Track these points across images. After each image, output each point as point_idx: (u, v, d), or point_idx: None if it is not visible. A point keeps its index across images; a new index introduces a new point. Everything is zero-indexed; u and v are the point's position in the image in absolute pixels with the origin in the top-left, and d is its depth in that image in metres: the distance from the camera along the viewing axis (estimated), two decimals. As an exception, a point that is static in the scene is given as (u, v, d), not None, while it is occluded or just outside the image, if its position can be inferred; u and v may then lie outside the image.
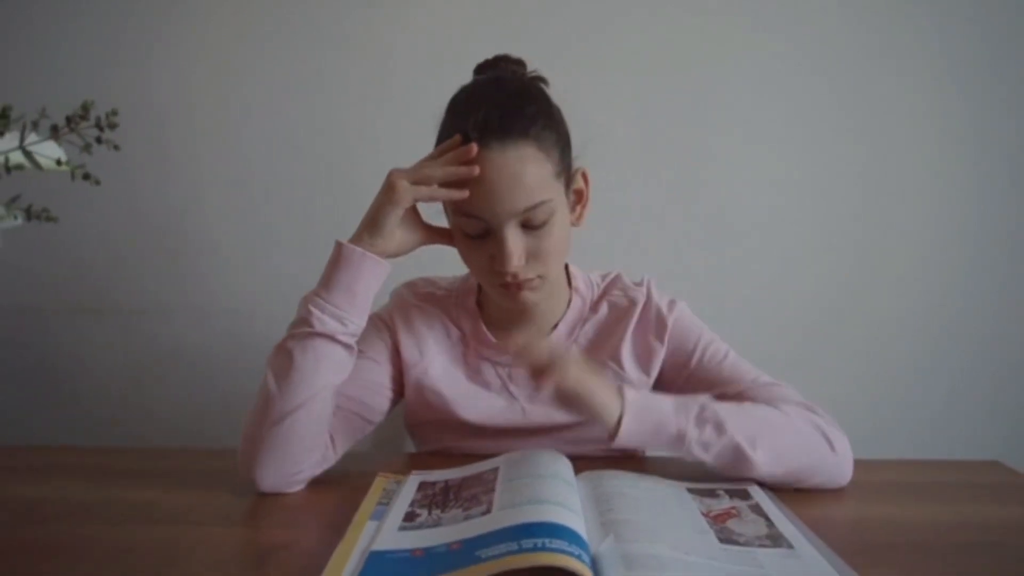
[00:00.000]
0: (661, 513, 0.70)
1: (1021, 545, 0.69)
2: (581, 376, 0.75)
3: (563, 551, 0.55)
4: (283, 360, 0.81)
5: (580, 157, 0.91)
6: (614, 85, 1.45)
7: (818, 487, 0.82)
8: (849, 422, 0.88)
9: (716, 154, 1.47)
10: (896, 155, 1.47)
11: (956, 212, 1.48)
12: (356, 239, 0.84)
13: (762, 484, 0.80)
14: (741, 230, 1.49)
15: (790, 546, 0.65)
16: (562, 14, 1.44)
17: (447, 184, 0.81)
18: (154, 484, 0.84)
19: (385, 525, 0.68)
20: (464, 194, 0.80)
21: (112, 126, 0.46)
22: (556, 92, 0.90)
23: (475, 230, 0.83)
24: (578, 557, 0.55)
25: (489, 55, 1.00)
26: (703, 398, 0.81)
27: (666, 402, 0.79)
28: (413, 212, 0.87)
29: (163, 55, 1.47)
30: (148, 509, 0.77)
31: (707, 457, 0.78)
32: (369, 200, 0.86)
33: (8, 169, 0.43)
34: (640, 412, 0.77)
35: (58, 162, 0.46)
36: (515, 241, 0.81)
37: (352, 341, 0.84)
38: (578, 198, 0.91)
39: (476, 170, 0.79)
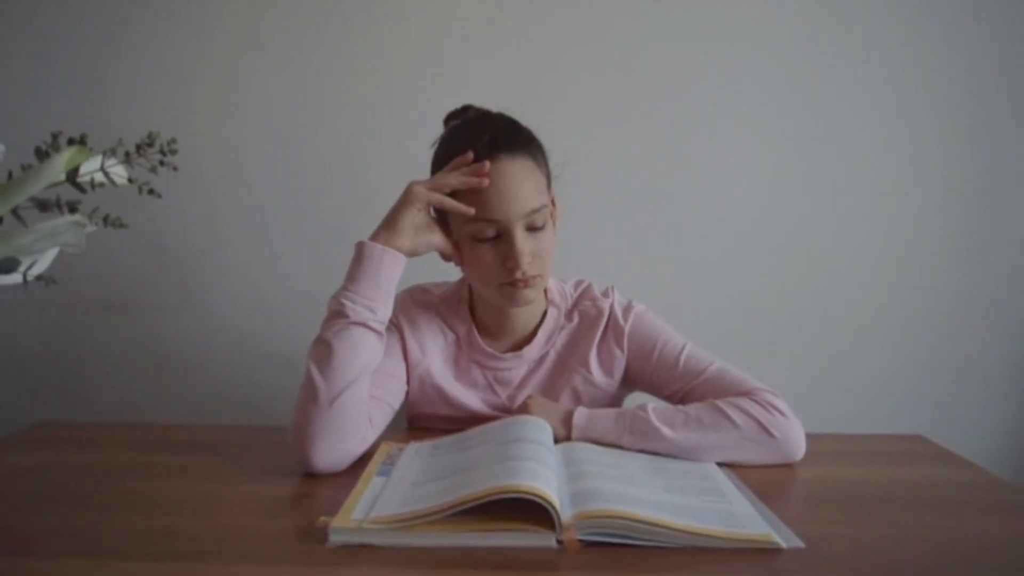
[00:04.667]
0: (616, 465, 0.83)
1: (936, 497, 0.82)
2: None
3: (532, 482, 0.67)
4: (323, 350, 0.90)
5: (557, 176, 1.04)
6: (600, 85, 1.55)
7: (766, 464, 0.92)
8: (811, 411, 1.00)
9: (690, 156, 1.58)
10: (877, 154, 1.57)
11: (938, 211, 1.59)
12: (374, 237, 0.95)
13: None
14: (711, 231, 1.59)
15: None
16: (553, 15, 1.54)
17: (460, 194, 0.94)
18: (184, 451, 0.97)
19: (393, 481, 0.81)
20: (471, 211, 0.93)
21: (172, 152, 0.57)
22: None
23: (488, 234, 0.95)
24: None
25: (482, 58, 1.12)
26: (640, 409, 0.94)
27: (607, 420, 0.94)
28: (427, 218, 0.99)
29: (171, 63, 1.57)
30: (184, 470, 0.90)
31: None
32: (372, 205, 0.99)
33: (93, 186, 0.55)
34: (584, 432, 0.93)
35: (129, 180, 0.58)
36: (524, 242, 0.95)
37: (382, 328, 0.94)
38: (552, 220, 1.04)
39: (486, 181, 0.93)
